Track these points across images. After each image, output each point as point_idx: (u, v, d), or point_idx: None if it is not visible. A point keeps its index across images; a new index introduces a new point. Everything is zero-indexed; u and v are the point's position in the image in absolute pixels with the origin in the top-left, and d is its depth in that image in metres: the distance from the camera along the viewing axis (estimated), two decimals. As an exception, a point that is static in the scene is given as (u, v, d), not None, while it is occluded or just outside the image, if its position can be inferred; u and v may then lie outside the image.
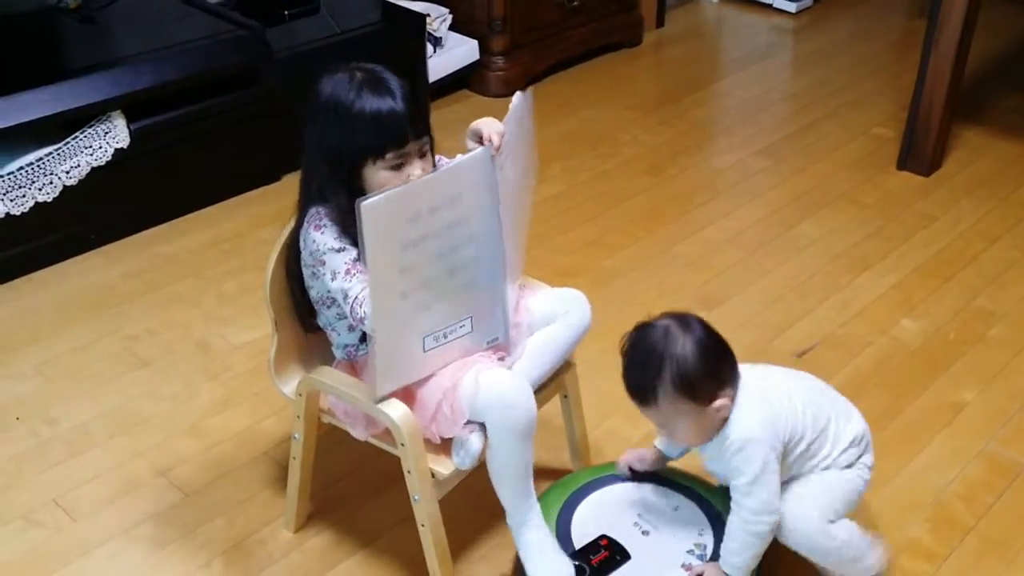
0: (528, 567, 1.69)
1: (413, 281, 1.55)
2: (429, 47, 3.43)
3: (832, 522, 1.66)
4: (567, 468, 2.03)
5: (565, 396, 1.94)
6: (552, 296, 1.83)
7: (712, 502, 1.77)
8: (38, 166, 2.56)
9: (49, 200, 2.59)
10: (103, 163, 2.65)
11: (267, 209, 2.96)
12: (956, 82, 2.99)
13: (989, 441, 2.14)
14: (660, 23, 4.27)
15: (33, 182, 2.56)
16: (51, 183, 2.58)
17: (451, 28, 3.60)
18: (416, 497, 1.67)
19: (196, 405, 2.24)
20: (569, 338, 1.81)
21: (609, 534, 1.73)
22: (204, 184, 2.93)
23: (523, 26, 3.64)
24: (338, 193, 1.61)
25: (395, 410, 1.62)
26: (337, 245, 1.61)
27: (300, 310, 1.77)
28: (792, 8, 4.38)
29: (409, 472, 1.65)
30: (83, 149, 2.61)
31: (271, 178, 3.09)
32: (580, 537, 1.73)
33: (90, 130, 2.63)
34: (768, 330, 2.46)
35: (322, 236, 1.61)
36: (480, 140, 1.59)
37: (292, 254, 1.73)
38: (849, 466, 1.69)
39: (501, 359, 1.73)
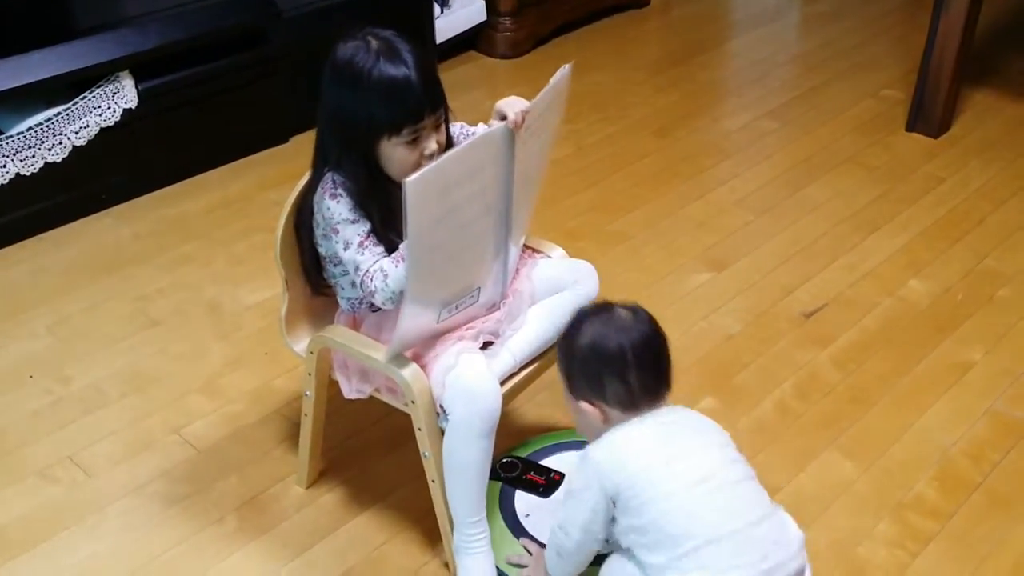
0: None
1: (442, 255, 1.56)
2: (436, 7, 3.42)
3: None
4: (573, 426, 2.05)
5: (574, 355, 1.95)
6: (561, 266, 1.84)
7: None
8: (47, 126, 2.56)
9: (59, 160, 2.60)
10: (112, 124, 2.65)
11: (275, 170, 2.96)
12: (966, 44, 2.97)
13: (995, 401, 2.15)
14: (669, -16, 4.25)
15: (43, 142, 2.56)
16: (60, 143, 2.59)
17: (459, -13, 3.59)
18: (426, 454, 1.69)
19: (207, 364, 2.26)
20: (575, 307, 1.81)
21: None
22: (212, 145, 2.94)
23: (530, -14, 3.62)
24: (356, 166, 1.61)
25: (406, 369, 1.63)
26: (352, 216, 1.61)
27: (308, 268, 1.78)
28: (801, -31, 4.35)
29: (419, 429, 1.67)
30: (92, 109, 2.62)
31: (279, 139, 3.09)
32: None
33: (98, 90, 2.62)
34: (776, 291, 2.47)
35: (337, 205, 1.61)
36: (503, 119, 1.58)
37: (303, 211, 1.73)
38: None
39: (495, 333, 1.74)
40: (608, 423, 1.45)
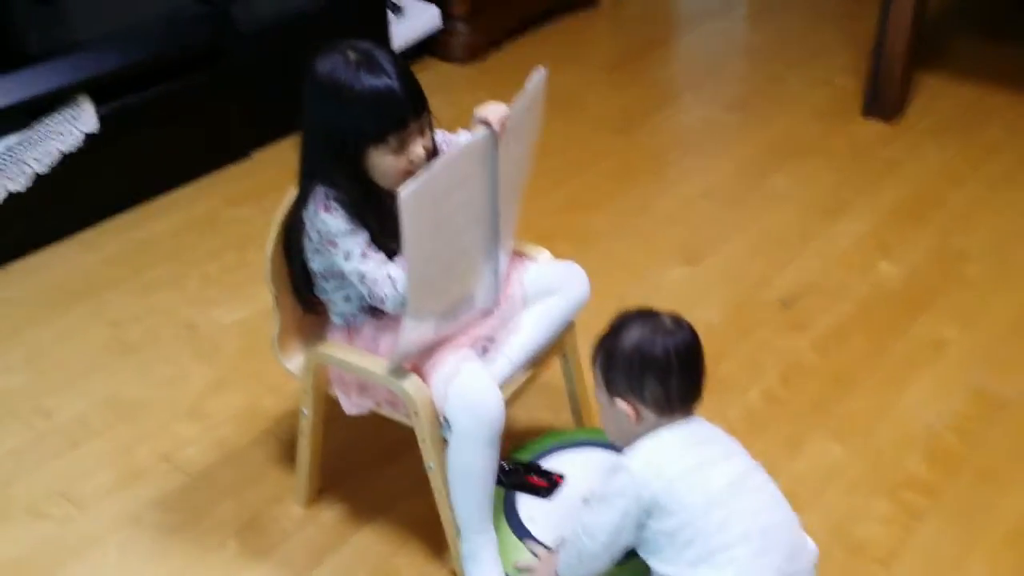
0: None
1: (438, 265, 1.57)
2: (390, 15, 3.41)
3: None
4: (569, 427, 2.06)
5: (565, 356, 1.97)
6: (551, 270, 1.85)
7: None
8: (7, 155, 2.51)
9: (21, 189, 2.54)
10: (73, 148, 2.60)
11: (240, 187, 2.94)
12: (916, 29, 3.04)
13: (974, 375, 2.21)
14: (617, -18, 4.28)
15: (2, 171, 2.51)
16: (22, 172, 2.53)
17: (411, -4, 3.58)
18: (431, 465, 1.69)
19: (191, 388, 2.23)
20: (567, 311, 1.83)
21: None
22: (175, 165, 2.90)
23: (483, -12, 3.63)
24: (348, 178, 1.61)
25: (407, 381, 1.63)
26: (349, 227, 1.60)
27: (299, 285, 1.77)
28: (744, -38, 4.41)
29: (423, 441, 1.67)
30: (52, 135, 2.57)
31: (241, 155, 3.06)
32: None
33: (58, 115, 2.58)
34: (752, 281, 2.51)
35: (333, 218, 1.60)
36: (486, 125, 1.59)
37: (291, 229, 1.72)
38: None
39: (491, 339, 1.75)
40: (640, 424, 1.47)
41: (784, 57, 3.63)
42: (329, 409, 1.85)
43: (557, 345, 1.90)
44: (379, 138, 1.58)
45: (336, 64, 1.59)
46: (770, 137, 3.13)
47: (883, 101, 3.15)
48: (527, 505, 1.76)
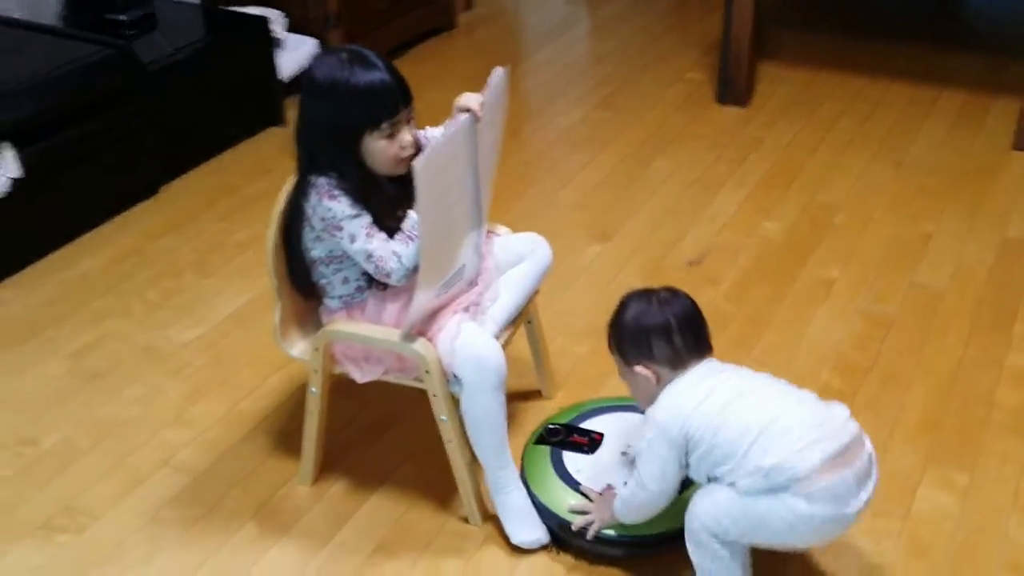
0: (507, 528, 1.92)
1: (442, 234, 1.79)
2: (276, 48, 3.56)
3: (717, 537, 1.65)
4: (535, 388, 2.29)
5: (529, 322, 2.20)
6: (516, 240, 2.10)
7: None
8: (-61, 204, 2.53)
9: (-44, 237, 2.57)
10: (2, 195, 2.65)
11: (158, 220, 3.02)
12: (756, 23, 3.46)
13: (860, 302, 2.58)
14: (468, 5, 4.57)
15: (-65, 221, 2.53)
16: (-44, 219, 2.56)
17: (288, 30, 3.74)
18: (443, 418, 1.88)
19: (168, 402, 2.33)
20: (537, 274, 2.08)
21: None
22: (97, 203, 2.97)
23: (355, 19, 3.83)
24: (346, 164, 1.80)
25: (417, 343, 1.83)
26: (353, 211, 1.79)
27: (297, 272, 1.93)
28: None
29: (435, 396, 1.86)
30: (-20, 182, 2.60)
31: (151, 192, 3.15)
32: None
33: (-16, 163, 2.62)
34: (660, 249, 2.82)
35: (338, 204, 1.79)
36: (465, 111, 1.83)
37: (291, 219, 1.89)
38: (772, 492, 1.59)
39: (477, 304, 1.96)
40: (660, 383, 1.71)
41: (635, 62, 4.00)
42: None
43: (524, 312, 2.13)
44: (375, 125, 1.78)
45: (332, 65, 1.79)
46: (643, 129, 3.47)
47: (735, 89, 3.56)
48: (573, 459, 1.96)
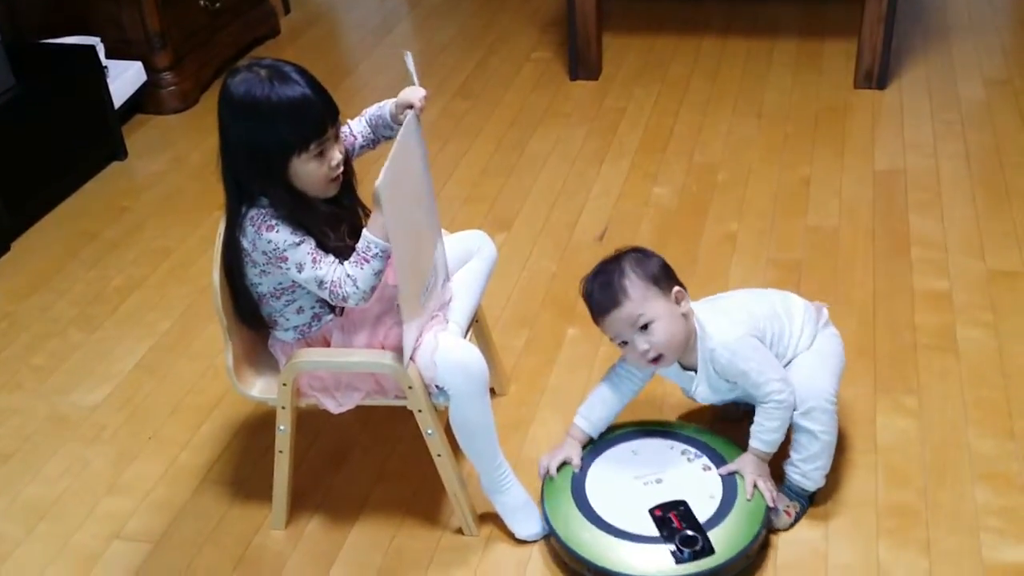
0: (512, 526, 1.88)
1: (412, 246, 1.71)
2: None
3: (832, 397, 1.84)
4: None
5: (477, 321, 2.15)
6: (459, 239, 2.04)
7: (673, 431, 2.00)
8: None
9: None
10: None
11: (19, 278, 2.77)
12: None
13: (765, 250, 2.67)
14: (287, 10, 4.42)
15: None
16: None
17: (108, 56, 3.49)
18: (430, 431, 1.81)
19: (97, 471, 2.14)
20: (486, 271, 2.04)
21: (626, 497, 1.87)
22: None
23: (180, 36, 3.63)
24: (277, 190, 1.69)
25: (397, 363, 1.75)
26: (295, 239, 1.69)
27: (245, 309, 1.81)
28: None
29: (420, 411, 1.79)
30: None
31: (2, 249, 2.89)
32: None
33: None
34: (563, 229, 2.81)
35: (278, 235, 1.68)
36: (409, 107, 1.75)
37: (229, 256, 1.76)
38: (820, 333, 1.94)
39: (440, 310, 1.90)
40: (686, 305, 1.86)
41: (477, 47, 3.97)
42: (261, 441, 1.88)
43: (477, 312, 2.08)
44: (302, 146, 1.67)
45: (250, 82, 1.66)
46: (507, 113, 3.46)
47: (586, 63, 3.59)
48: (594, 492, 1.87)
